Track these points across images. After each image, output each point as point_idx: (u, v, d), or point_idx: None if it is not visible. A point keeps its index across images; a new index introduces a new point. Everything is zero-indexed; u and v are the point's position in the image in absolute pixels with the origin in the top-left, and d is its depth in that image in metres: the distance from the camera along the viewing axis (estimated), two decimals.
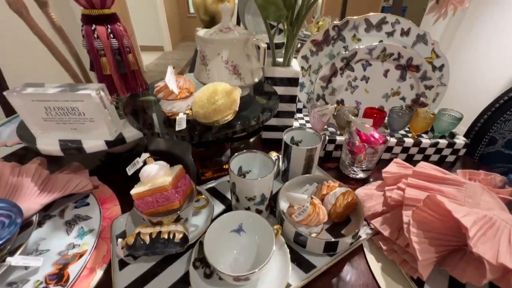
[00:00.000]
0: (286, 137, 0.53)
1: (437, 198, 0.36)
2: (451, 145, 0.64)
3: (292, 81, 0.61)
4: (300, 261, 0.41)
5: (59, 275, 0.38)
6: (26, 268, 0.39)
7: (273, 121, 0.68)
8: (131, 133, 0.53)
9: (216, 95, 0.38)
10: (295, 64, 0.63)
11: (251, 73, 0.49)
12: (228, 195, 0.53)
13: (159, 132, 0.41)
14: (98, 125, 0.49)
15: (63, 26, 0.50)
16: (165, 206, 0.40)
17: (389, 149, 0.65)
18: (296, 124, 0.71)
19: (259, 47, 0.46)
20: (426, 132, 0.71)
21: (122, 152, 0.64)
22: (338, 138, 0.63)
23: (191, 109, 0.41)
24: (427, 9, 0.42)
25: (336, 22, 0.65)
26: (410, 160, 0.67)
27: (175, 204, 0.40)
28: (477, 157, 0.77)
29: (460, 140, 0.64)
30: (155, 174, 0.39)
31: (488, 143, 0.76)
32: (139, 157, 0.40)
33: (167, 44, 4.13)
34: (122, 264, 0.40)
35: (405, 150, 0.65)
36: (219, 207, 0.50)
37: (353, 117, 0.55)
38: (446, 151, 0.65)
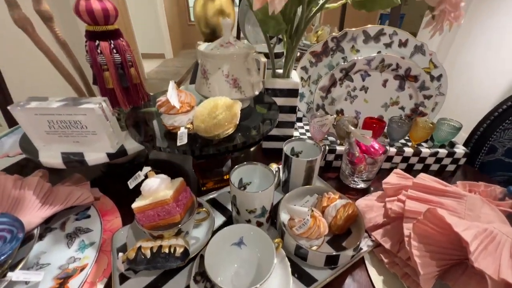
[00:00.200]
0: (286, 148, 0.53)
1: (437, 211, 0.36)
2: (451, 154, 0.64)
3: (292, 92, 0.62)
4: (301, 274, 0.40)
5: None
6: (26, 283, 0.39)
7: (273, 131, 0.68)
8: (133, 145, 0.53)
9: (217, 109, 0.39)
10: (295, 76, 0.64)
11: (251, 86, 0.49)
12: (229, 206, 0.53)
13: (161, 147, 0.41)
14: (100, 137, 0.49)
15: (67, 40, 0.51)
16: (166, 220, 0.40)
17: (389, 159, 0.65)
18: (296, 133, 0.72)
19: (259, 61, 0.47)
20: (426, 141, 0.71)
21: (123, 163, 0.64)
22: (338, 148, 0.64)
23: (192, 123, 0.42)
24: (423, 24, 0.43)
25: (335, 34, 0.66)
26: (410, 169, 0.67)
27: (176, 217, 0.40)
28: (478, 166, 0.77)
29: (460, 150, 0.64)
30: (156, 187, 0.39)
31: (488, 152, 0.76)
32: (141, 170, 0.41)
33: (168, 52, 4.17)
34: (123, 278, 0.40)
35: (405, 159, 0.65)
36: (219, 218, 0.50)
37: (352, 128, 0.56)
38: (446, 161, 0.65)
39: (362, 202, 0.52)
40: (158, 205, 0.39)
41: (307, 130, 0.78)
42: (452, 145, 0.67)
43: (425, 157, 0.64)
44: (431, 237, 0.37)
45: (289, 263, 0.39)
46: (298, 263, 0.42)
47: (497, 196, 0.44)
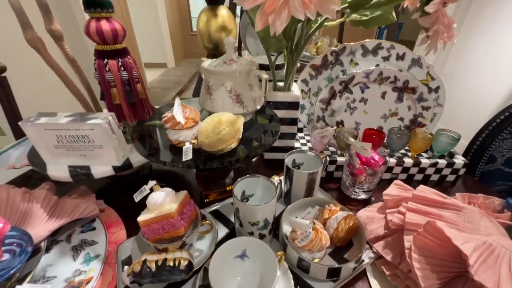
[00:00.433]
0: (287, 160, 0.54)
1: (436, 224, 0.37)
2: (450, 165, 0.65)
3: (293, 105, 0.63)
4: (303, 287, 0.41)
5: None
6: None
7: (275, 143, 0.69)
8: (138, 158, 0.54)
9: (220, 125, 0.40)
10: (295, 88, 0.66)
11: (253, 101, 0.51)
12: (232, 218, 0.53)
13: (166, 161, 0.43)
14: (107, 151, 0.50)
15: (76, 58, 0.53)
16: (171, 233, 0.41)
17: (389, 170, 0.66)
18: (297, 144, 0.73)
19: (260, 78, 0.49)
20: (426, 151, 0.72)
21: (127, 175, 0.65)
22: (339, 159, 0.65)
23: (196, 138, 0.43)
24: (418, 41, 0.44)
25: (334, 48, 0.68)
26: (410, 180, 0.68)
27: (180, 230, 0.41)
28: (478, 175, 0.77)
29: (460, 160, 0.65)
30: (161, 201, 0.40)
31: (487, 161, 0.77)
32: (146, 184, 0.42)
33: (170, 61, 4.24)
34: None
35: (405, 170, 0.66)
36: (222, 230, 0.51)
37: (352, 140, 0.57)
38: (446, 171, 0.66)
39: (363, 214, 0.53)
40: (163, 218, 0.40)
41: (308, 141, 0.79)
42: (451, 155, 0.68)
43: (425, 167, 0.65)
44: (431, 250, 0.38)
45: (291, 276, 0.40)
46: (300, 275, 0.42)
47: (496, 208, 0.44)
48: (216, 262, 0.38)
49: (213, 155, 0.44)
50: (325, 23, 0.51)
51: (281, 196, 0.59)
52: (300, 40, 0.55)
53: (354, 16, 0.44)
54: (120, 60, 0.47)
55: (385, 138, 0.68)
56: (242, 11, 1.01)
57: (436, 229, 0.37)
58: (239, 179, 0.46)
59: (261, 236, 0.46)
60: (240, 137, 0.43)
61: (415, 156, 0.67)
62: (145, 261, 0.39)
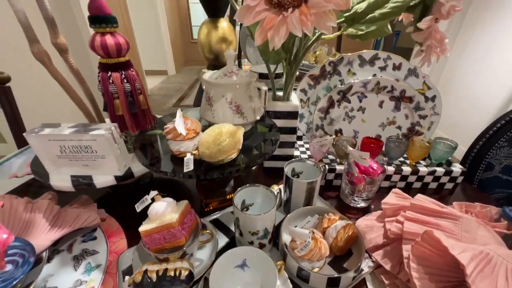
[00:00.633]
0: (287, 169, 0.55)
1: (434, 233, 0.37)
2: (448, 173, 0.65)
3: (292, 114, 0.65)
4: None
5: None
6: None
7: (275, 151, 0.70)
8: (139, 168, 0.55)
9: (221, 136, 0.41)
10: (294, 98, 0.67)
11: (253, 112, 0.52)
12: (232, 227, 0.54)
13: (167, 171, 0.43)
14: (109, 161, 0.51)
15: (79, 70, 0.54)
16: (172, 243, 0.41)
17: (388, 178, 0.66)
18: (297, 152, 0.74)
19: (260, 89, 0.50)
20: (424, 159, 0.73)
21: (129, 183, 0.66)
22: (338, 167, 0.66)
23: (197, 148, 0.44)
24: (414, 52, 0.46)
25: (332, 58, 0.70)
26: (409, 188, 0.68)
27: (181, 240, 0.41)
28: (476, 183, 0.78)
29: (457, 168, 0.66)
30: (163, 211, 0.41)
31: (485, 169, 0.78)
32: (148, 194, 0.42)
33: (170, 68, 4.29)
34: None
35: (404, 178, 0.67)
36: (222, 240, 0.51)
37: (351, 149, 0.58)
38: (444, 179, 0.67)
39: (362, 222, 0.53)
40: (164, 228, 0.40)
41: (307, 149, 0.80)
42: (449, 163, 0.69)
43: (423, 175, 0.66)
44: (429, 259, 0.38)
45: (291, 286, 0.40)
46: (300, 285, 0.43)
47: (492, 217, 0.45)
48: (217, 272, 0.38)
49: (213, 165, 0.45)
50: (323, 36, 0.52)
51: (281, 204, 0.59)
52: (299, 52, 0.56)
53: (350, 30, 0.45)
54: (123, 72, 0.48)
55: (383, 146, 0.69)
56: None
57: (433, 238, 0.37)
58: (239, 188, 0.46)
59: (261, 246, 0.46)
60: (240, 147, 0.44)
61: (413, 164, 0.68)
62: (146, 271, 0.39)
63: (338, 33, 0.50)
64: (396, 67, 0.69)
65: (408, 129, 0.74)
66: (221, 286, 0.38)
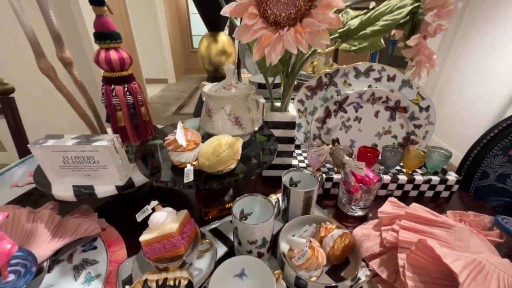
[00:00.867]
0: (285, 178, 0.56)
1: (427, 242, 0.38)
2: (443, 181, 0.67)
3: (290, 124, 0.66)
4: None
5: None
6: None
7: (273, 160, 0.72)
8: (140, 178, 0.56)
9: (220, 147, 0.43)
10: (292, 109, 0.69)
11: (251, 123, 0.54)
12: (231, 236, 0.55)
13: (168, 181, 0.44)
14: (110, 171, 0.52)
15: (83, 83, 0.56)
16: (171, 252, 0.42)
17: (384, 186, 0.68)
18: (295, 161, 0.75)
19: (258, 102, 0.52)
20: (420, 167, 0.74)
21: (129, 193, 0.67)
22: (335, 176, 0.67)
23: (197, 159, 0.46)
24: (407, 67, 0.48)
25: (328, 70, 0.72)
26: (406, 196, 0.69)
27: (181, 250, 0.42)
28: (472, 191, 0.79)
29: (452, 177, 0.67)
30: (163, 221, 0.42)
31: (481, 177, 0.79)
32: (148, 203, 0.43)
33: (171, 77, 4.35)
34: None
35: (400, 187, 0.68)
36: (221, 249, 0.52)
37: (347, 158, 0.59)
38: (440, 187, 0.68)
39: (359, 231, 0.54)
40: (164, 238, 0.41)
41: (305, 157, 0.81)
42: (444, 172, 0.70)
43: (419, 184, 0.67)
44: (424, 268, 0.39)
45: None
46: None
47: (486, 225, 0.46)
48: (216, 281, 0.39)
49: (212, 175, 0.46)
50: (318, 51, 0.55)
51: (279, 213, 0.60)
52: (296, 64, 0.58)
53: (344, 45, 0.47)
54: (126, 85, 0.50)
55: (380, 155, 0.70)
56: None
57: (427, 247, 0.38)
58: (237, 198, 0.47)
59: (260, 255, 0.47)
60: (239, 158, 0.46)
61: (410, 173, 0.69)
62: (146, 280, 0.40)
63: (333, 47, 0.52)
64: (391, 78, 0.71)
65: (404, 138, 0.75)
66: None
